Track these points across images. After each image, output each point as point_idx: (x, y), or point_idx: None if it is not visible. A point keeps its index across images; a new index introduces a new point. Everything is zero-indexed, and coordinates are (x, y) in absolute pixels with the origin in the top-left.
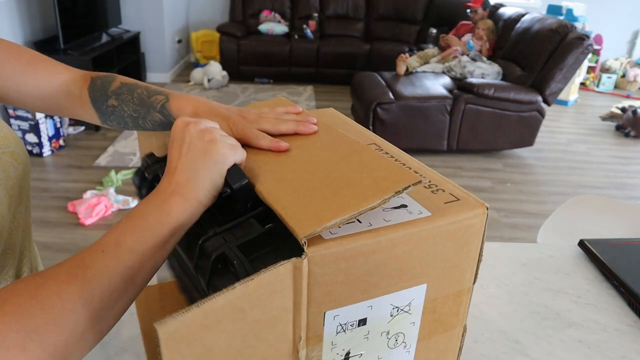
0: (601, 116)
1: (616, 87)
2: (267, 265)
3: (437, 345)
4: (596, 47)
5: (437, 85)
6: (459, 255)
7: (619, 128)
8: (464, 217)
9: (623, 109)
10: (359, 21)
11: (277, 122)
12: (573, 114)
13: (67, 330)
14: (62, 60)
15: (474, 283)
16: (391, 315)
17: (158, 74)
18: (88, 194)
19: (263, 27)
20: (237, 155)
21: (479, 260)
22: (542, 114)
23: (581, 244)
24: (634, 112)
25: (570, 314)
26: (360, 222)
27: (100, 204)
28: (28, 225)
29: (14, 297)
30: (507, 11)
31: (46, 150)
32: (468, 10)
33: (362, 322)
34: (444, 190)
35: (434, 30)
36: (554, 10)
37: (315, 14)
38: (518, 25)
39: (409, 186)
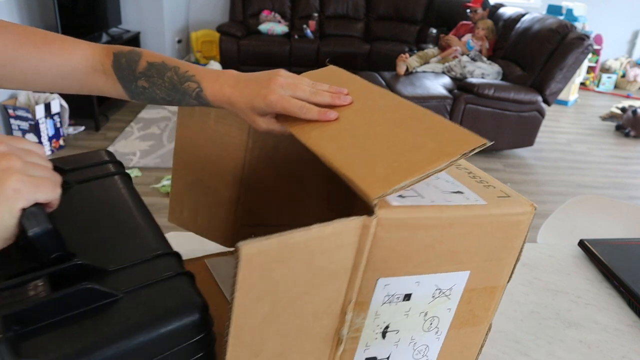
0: (601, 116)
1: (616, 87)
2: (38, 349)
3: (464, 337)
4: (596, 47)
5: (437, 85)
6: (504, 250)
7: (619, 128)
8: (515, 212)
9: (623, 109)
10: (359, 21)
11: (313, 92)
12: (573, 114)
13: None
14: None
15: (508, 281)
16: (432, 297)
17: None
18: None
19: (263, 27)
20: (40, 193)
21: (517, 260)
22: (542, 114)
23: (581, 244)
24: (634, 112)
25: (570, 314)
26: (423, 197)
27: None
28: None
29: None
30: (507, 11)
31: (46, 150)
32: (468, 11)
33: (407, 297)
34: (494, 187)
35: (434, 30)
36: (554, 10)
37: (315, 14)
38: (518, 25)
39: (475, 148)
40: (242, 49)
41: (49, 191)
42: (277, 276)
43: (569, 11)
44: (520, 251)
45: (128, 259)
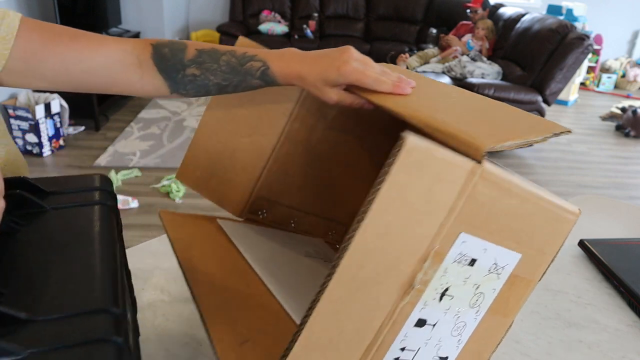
0: (601, 116)
1: (616, 87)
2: None
3: (493, 326)
4: (596, 47)
5: None
6: (550, 244)
7: (619, 128)
8: (568, 210)
9: (623, 109)
10: (359, 21)
11: (382, 71)
12: (573, 114)
13: None
14: None
15: (538, 280)
16: (488, 271)
17: None
18: None
19: (263, 27)
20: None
21: (552, 261)
22: (542, 113)
23: (581, 244)
24: (634, 112)
25: (570, 314)
26: (507, 171)
27: None
28: None
29: None
30: (507, 11)
31: (46, 151)
32: (468, 11)
33: (472, 262)
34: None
35: (434, 30)
36: (554, 10)
37: (315, 14)
38: (518, 25)
39: (562, 132)
40: None
41: None
42: (407, 192)
43: (569, 11)
44: (556, 253)
45: (60, 309)
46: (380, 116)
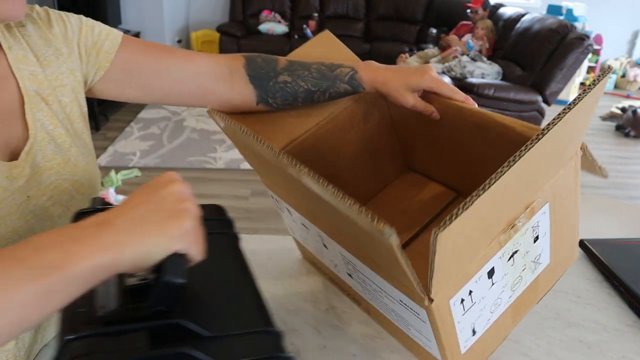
0: (601, 116)
1: (616, 87)
2: None
3: (521, 304)
4: (596, 47)
5: None
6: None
7: (619, 128)
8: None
9: (623, 109)
10: (359, 21)
11: (453, 89)
12: None
13: None
14: None
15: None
16: (531, 261)
17: None
18: None
19: (263, 27)
20: (195, 247)
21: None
22: (542, 113)
23: (581, 244)
24: (634, 112)
25: (570, 314)
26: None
27: None
28: None
29: None
30: (507, 11)
31: None
32: (468, 11)
33: (535, 239)
34: None
35: (434, 30)
36: (554, 10)
37: (315, 14)
38: (518, 25)
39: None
40: (242, 49)
41: (201, 250)
42: None
43: (569, 11)
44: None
45: (227, 328)
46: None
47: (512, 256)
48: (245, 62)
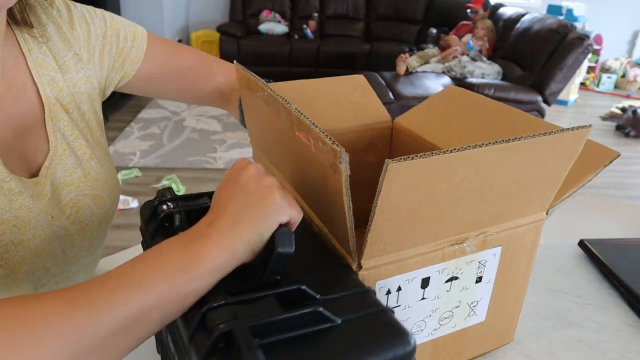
0: (601, 116)
1: (616, 87)
2: (287, 356)
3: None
4: (596, 47)
5: (437, 85)
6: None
7: (619, 128)
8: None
9: (623, 109)
10: (359, 21)
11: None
12: (573, 114)
13: None
14: None
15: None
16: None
17: None
18: None
19: (263, 27)
20: (293, 211)
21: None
22: (542, 113)
23: (581, 244)
24: (634, 112)
25: (570, 314)
26: None
27: None
28: (90, 273)
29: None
30: (507, 11)
31: None
32: (468, 11)
33: (479, 280)
34: None
35: (434, 30)
36: (554, 10)
37: (315, 14)
38: (518, 25)
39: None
40: (242, 49)
41: (298, 210)
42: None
43: (569, 11)
44: None
45: (332, 291)
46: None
47: (450, 280)
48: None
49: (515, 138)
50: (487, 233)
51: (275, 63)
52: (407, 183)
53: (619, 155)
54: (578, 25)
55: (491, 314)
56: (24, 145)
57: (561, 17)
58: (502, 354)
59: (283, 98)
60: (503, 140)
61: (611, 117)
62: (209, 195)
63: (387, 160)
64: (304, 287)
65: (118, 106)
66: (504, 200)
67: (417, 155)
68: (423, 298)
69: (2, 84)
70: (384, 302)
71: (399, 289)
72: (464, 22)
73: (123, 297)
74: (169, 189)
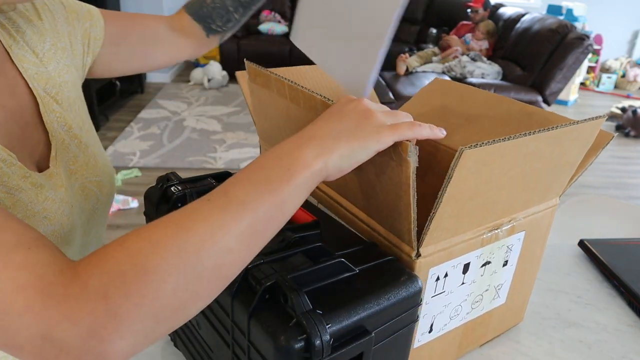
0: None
1: (616, 87)
2: (323, 301)
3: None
4: (596, 47)
5: None
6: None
7: (619, 128)
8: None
9: (623, 109)
10: None
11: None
12: (573, 114)
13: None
14: None
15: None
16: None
17: (158, 74)
18: None
19: (263, 27)
20: (396, 135)
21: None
22: None
23: (581, 244)
24: (634, 112)
25: (570, 314)
26: None
27: None
28: None
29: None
30: (507, 11)
31: None
32: (468, 10)
33: (505, 263)
34: None
35: (434, 30)
36: (554, 10)
37: None
38: (518, 25)
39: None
40: (242, 49)
41: (405, 131)
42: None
43: (569, 11)
44: None
45: (343, 247)
46: None
47: (484, 264)
48: (184, 10)
49: (552, 127)
50: (516, 219)
51: (275, 63)
52: (473, 170)
53: (613, 137)
54: (578, 25)
55: (510, 295)
56: (28, 141)
57: (561, 17)
58: (502, 354)
59: (321, 95)
60: (543, 129)
61: (611, 117)
62: (213, 176)
63: (460, 147)
64: (321, 244)
65: (118, 106)
66: (534, 186)
67: (486, 142)
68: (463, 283)
69: None
70: (432, 289)
71: (446, 275)
72: (464, 22)
73: (233, 216)
74: (173, 173)
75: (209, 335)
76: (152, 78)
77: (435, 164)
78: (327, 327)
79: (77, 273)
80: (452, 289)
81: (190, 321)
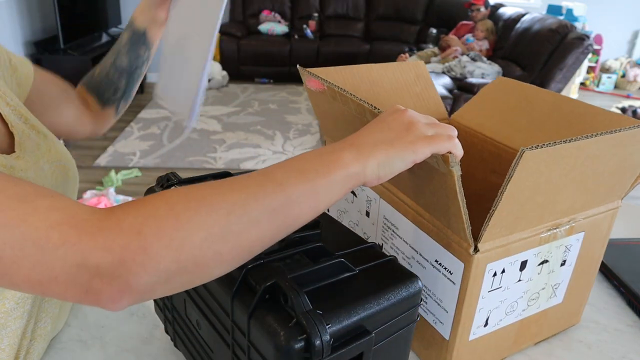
0: None
1: (616, 87)
2: (323, 301)
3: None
4: (596, 47)
5: (437, 85)
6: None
7: None
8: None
9: (623, 109)
10: (359, 21)
11: (453, 138)
12: None
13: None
14: (62, 60)
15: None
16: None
17: (158, 74)
18: (88, 194)
19: (263, 27)
20: (432, 147)
21: None
22: None
23: None
24: (634, 112)
25: None
26: None
27: (100, 203)
28: None
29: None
30: (507, 11)
31: None
32: (470, 9)
33: (563, 263)
34: None
35: (434, 30)
36: (554, 10)
37: (316, 14)
38: (518, 25)
39: None
40: (242, 49)
41: (442, 144)
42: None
43: (569, 11)
44: None
45: (343, 248)
46: None
47: (542, 263)
48: (83, 80)
49: (615, 130)
50: (576, 219)
51: (275, 63)
52: (534, 170)
53: None
54: (578, 25)
55: (568, 295)
56: None
57: (561, 17)
58: None
59: (369, 104)
60: (606, 132)
61: None
62: (213, 176)
63: (521, 147)
64: (322, 244)
65: None
66: (595, 188)
67: (547, 144)
68: (519, 280)
69: None
70: (489, 284)
71: (503, 271)
72: (464, 22)
73: (268, 193)
74: (173, 173)
75: (209, 335)
76: (152, 78)
77: (498, 164)
78: (327, 327)
79: (112, 212)
80: (509, 285)
81: (190, 321)
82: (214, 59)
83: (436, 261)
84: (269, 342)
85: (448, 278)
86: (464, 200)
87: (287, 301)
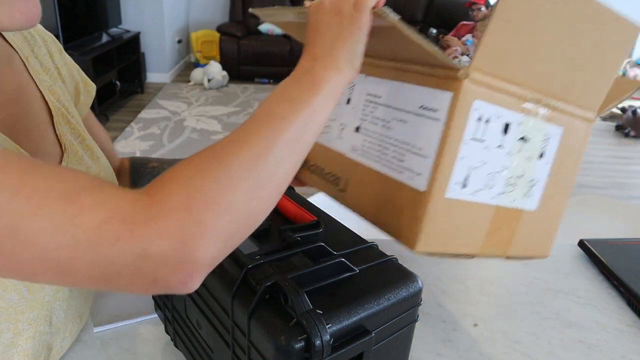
0: (601, 116)
1: None
2: (323, 301)
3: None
4: None
5: None
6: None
7: (619, 128)
8: None
9: (623, 109)
10: None
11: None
12: None
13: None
14: None
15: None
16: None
17: (158, 74)
18: None
19: (263, 27)
20: (364, 6)
21: None
22: None
23: (581, 244)
24: (634, 112)
25: (570, 314)
26: None
27: None
28: None
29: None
30: None
31: None
32: (471, 8)
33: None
34: None
35: (434, 31)
36: None
37: None
38: None
39: None
40: (242, 49)
41: (366, 1)
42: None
43: None
44: None
45: (344, 248)
46: None
47: (522, 138)
48: (130, 161)
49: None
50: (556, 107)
51: (275, 63)
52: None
53: None
54: None
55: (541, 205)
56: (42, 153)
57: None
58: (502, 354)
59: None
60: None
61: (611, 117)
62: None
63: None
64: (322, 244)
65: (118, 106)
66: (574, 71)
67: None
68: (500, 145)
69: (14, 89)
70: (473, 128)
71: (488, 121)
72: (464, 22)
73: (279, 129)
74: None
75: (209, 335)
76: (152, 78)
77: None
78: (327, 327)
79: (151, 197)
80: (490, 145)
81: (190, 321)
82: (214, 59)
83: (420, 107)
84: (269, 342)
85: (432, 118)
86: (422, 36)
87: (287, 301)
